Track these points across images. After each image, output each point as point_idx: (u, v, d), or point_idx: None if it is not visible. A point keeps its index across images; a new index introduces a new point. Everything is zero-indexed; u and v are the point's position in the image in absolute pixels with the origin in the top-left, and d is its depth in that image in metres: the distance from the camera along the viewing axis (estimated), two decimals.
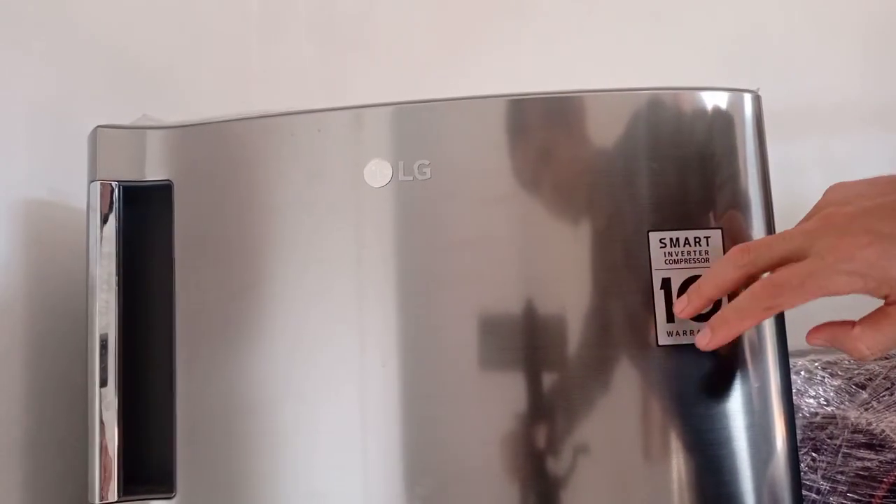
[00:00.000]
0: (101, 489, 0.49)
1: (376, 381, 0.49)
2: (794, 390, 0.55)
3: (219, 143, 0.51)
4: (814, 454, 0.68)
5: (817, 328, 0.44)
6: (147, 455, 0.50)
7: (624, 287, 0.49)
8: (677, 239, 0.49)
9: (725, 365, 0.49)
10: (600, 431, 0.49)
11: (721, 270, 0.45)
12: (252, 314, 0.49)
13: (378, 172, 0.49)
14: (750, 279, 0.44)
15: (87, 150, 0.52)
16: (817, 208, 0.43)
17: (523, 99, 0.50)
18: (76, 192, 0.55)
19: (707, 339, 0.45)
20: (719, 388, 0.49)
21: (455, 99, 0.49)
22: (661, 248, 0.49)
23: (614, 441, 0.48)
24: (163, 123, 0.52)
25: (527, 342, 0.49)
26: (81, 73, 0.70)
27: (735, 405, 0.49)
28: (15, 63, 0.61)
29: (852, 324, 0.42)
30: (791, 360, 0.49)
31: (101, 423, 0.49)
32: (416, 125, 0.50)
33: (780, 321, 0.50)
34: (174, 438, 0.50)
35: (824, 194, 0.44)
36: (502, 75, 1.03)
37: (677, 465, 0.48)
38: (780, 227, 0.51)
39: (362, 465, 0.49)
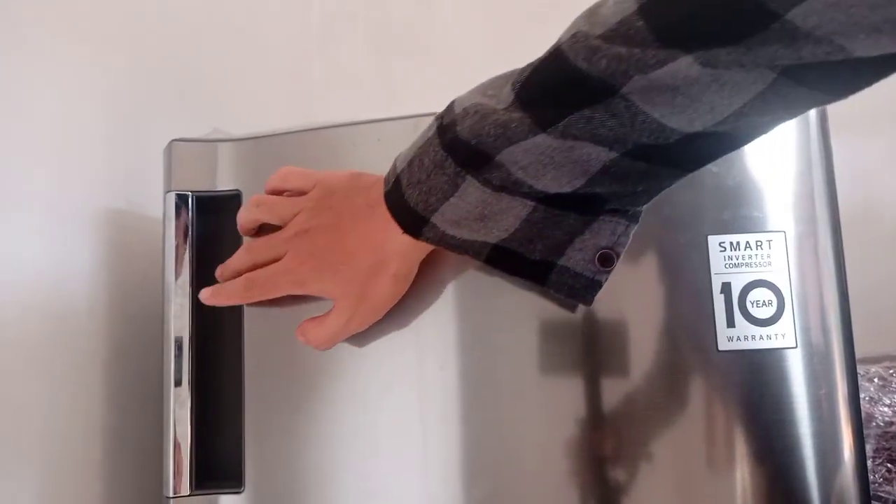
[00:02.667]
0: (175, 483, 0.51)
1: (435, 384, 0.50)
2: (867, 398, 0.53)
3: (284, 153, 0.53)
4: (889, 465, 0.65)
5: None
6: (218, 451, 0.53)
7: (683, 292, 0.49)
8: (738, 243, 0.49)
9: (789, 370, 0.48)
10: (662, 438, 0.48)
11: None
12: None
13: None
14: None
15: (163, 162, 0.55)
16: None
17: None
18: (152, 202, 0.58)
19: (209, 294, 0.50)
20: (783, 394, 0.48)
21: None
22: (721, 251, 0.49)
23: (676, 448, 0.48)
24: (232, 136, 0.54)
25: (586, 347, 0.49)
26: (153, 88, 0.74)
27: (800, 412, 0.48)
28: (95, 80, 0.65)
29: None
30: (864, 367, 0.48)
31: (175, 420, 0.51)
32: None
33: (846, 325, 0.49)
34: (243, 436, 0.52)
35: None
36: None
37: (741, 473, 0.48)
38: (846, 230, 0.50)
39: (422, 466, 0.50)
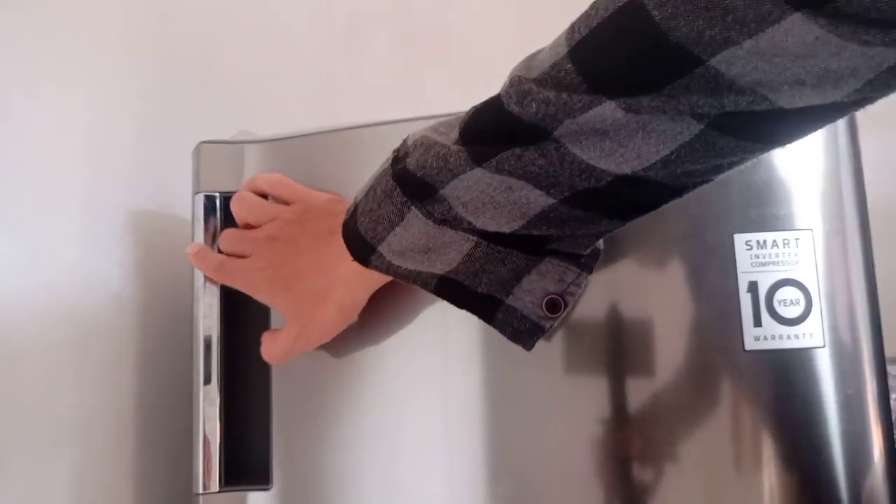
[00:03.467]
0: (204, 480, 0.52)
1: (459, 383, 0.50)
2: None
3: (310, 154, 0.54)
4: None
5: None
6: (247, 449, 0.53)
7: (709, 291, 0.48)
8: (764, 241, 0.48)
9: (817, 369, 0.48)
10: (688, 439, 0.48)
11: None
12: None
13: None
14: None
15: (192, 164, 0.56)
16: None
17: None
18: (181, 203, 0.59)
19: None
20: (811, 394, 0.47)
21: None
22: (748, 250, 0.48)
23: (703, 449, 0.48)
24: (259, 137, 0.55)
25: (611, 346, 0.49)
26: (181, 91, 0.75)
27: (829, 412, 0.47)
28: (124, 84, 0.66)
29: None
30: (894, 367, 0.47)
31: (205, 418, 0.52)
32: None
33: (875, 324, 0.48)
34: (271, 434, 0.52)
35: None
36: None
37: (769, 474, 0.47)
38: (875, 227, 0.49)
39: (446, 466, 0.50)
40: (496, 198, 0.37)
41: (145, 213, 0.67)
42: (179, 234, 0.60)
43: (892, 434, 0.47)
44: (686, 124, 0.32)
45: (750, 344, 0.48)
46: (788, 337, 0.47)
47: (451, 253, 0.40)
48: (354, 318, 0.49)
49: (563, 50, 0.33)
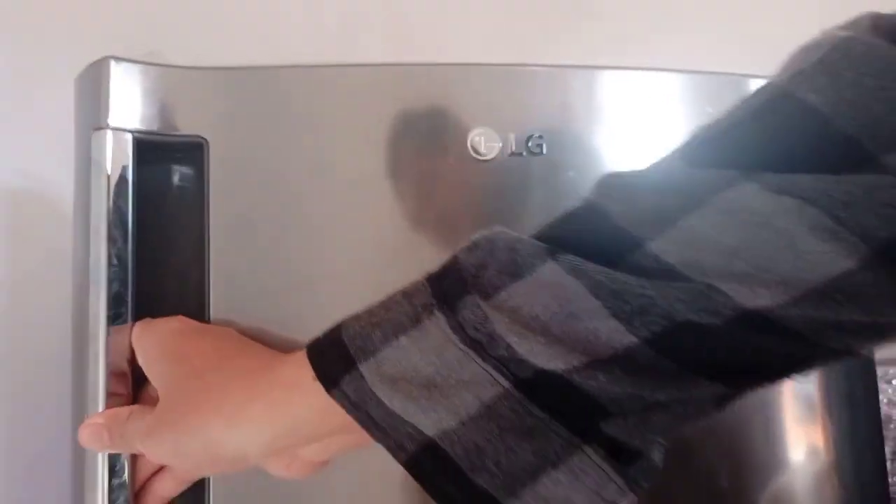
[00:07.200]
0: None
1: None
2: (886, 400, 0.54)
3: (280, 90, 0.40)
4: None
5: None
6: None
7: None
8: None
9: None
10: (677, 439, 0.45)
11: None
12: (308, 317, 0.39)
13: (483, 144, 0.41)
14: None
15: (76, 92, 0.40)
16: None
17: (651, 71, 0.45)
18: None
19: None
20: (799, 395, 0.47)
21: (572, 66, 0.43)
22: None
23: (689, 449, 0.44)
24: (188, 65, 0.41)
25: None
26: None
27: (818, 412, 0.47)
28: None
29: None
30: (883, 369, 0.48)
31: None
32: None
33: None
34: None
35: None
36: None
37: (761, 478, 0.46)
38: None
39: None
40: (554, 327, 0.25)
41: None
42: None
43: (882, 435, 0.48)
44: (848, 246, 0.23)
45: None
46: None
47: (463, 397, 0.26)
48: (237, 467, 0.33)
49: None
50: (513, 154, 0.41)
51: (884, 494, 0.47)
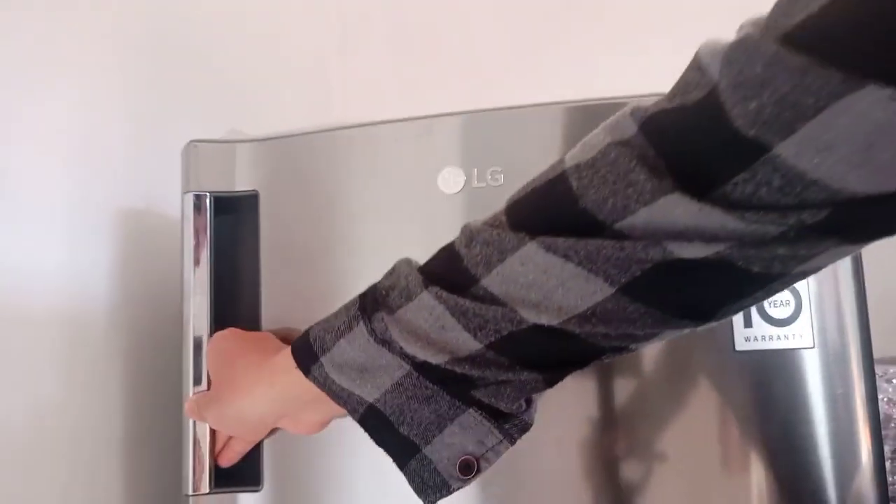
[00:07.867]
0: (195, 481, 0.51)
1: None
2: (885, 399, 0.53)
3: (302, 153, 0.54)
4: None
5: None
6: None
7: None
8: None
9: (806, 370, 0.48)
10: (676, 438, 0.48)
11: None
12: None
13: (451, 180, 0.51)
14: None
15: (181, 163, 0.56)
16: None
17: (593, 104, 0.51)
18: (171, 202, 0.58)
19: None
20: (800, 394, 0.48)
21: (530, 106, 0.50)
22: None
23: (691, 448, 0.48)
24: (250, 137, 0.55)
25: None
26: (174, 90, 0.75)
27: (817, 412, 0.47)
28: (117, 82, 0.66)
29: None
30: (882, 368, 0.47)
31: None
32: (486, 133, 0.51)
33: (864, 325, 0.49)
34: None
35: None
36: (575, 79, 1.02)
37: (757, 473, 0.48)
38: None
39: None
40: (431, 335, 0.37)
41: (133, 212, 0.66)
42: (168, 234, 0.60)
43: (881, 434, 0.47)
44: (598, 284, 0.33)
45: (740, 344, 0.48)
46: (778, 338, 0.47)
47: (383, 377, 0.39)
48: (258, 436, 0.47)
49: (502, 206, 0.37)
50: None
51: (884, 494, 0.47)
